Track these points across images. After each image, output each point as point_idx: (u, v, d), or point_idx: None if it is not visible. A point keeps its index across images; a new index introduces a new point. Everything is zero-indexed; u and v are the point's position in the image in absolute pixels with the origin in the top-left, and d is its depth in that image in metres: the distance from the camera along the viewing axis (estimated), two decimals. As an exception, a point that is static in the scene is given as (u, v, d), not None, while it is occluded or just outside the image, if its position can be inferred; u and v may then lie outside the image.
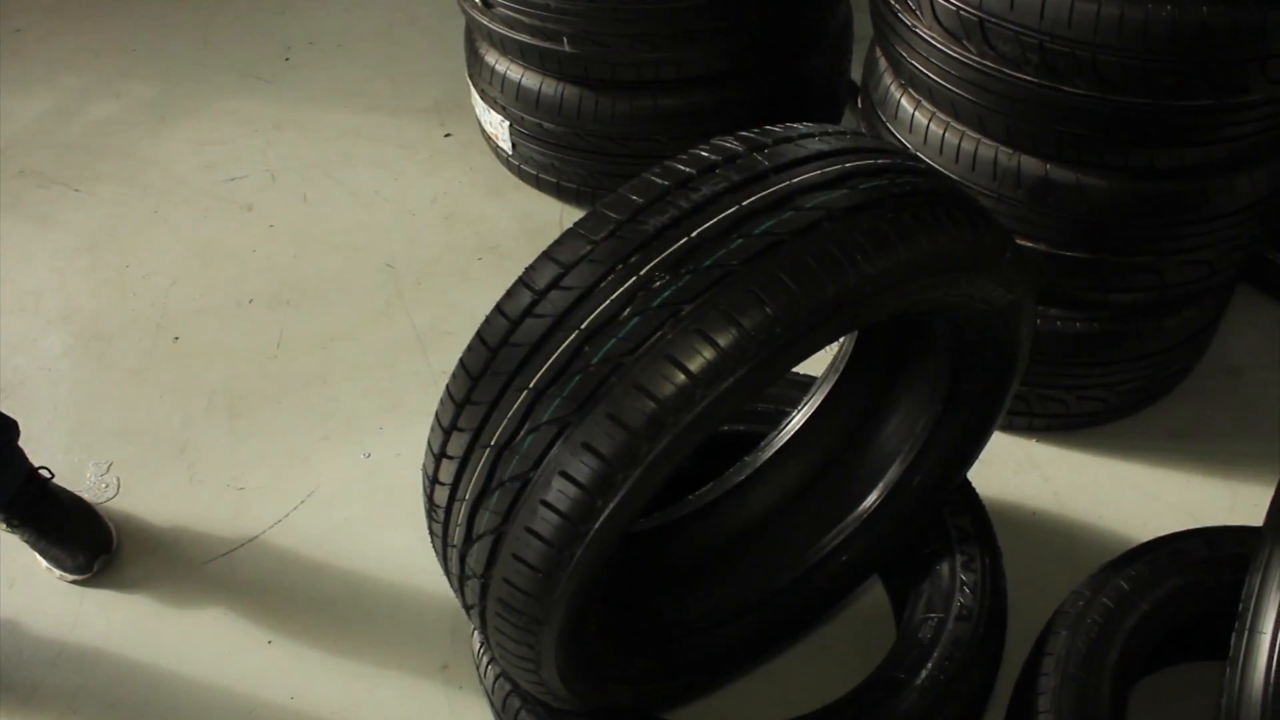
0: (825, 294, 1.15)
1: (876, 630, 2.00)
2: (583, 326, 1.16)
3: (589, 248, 1.20)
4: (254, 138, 3.33)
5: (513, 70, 2.76)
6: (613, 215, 1.22)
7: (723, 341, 1.12)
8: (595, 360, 1.14)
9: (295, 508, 2.29)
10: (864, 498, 1.78)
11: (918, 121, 2.07)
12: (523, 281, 1.23)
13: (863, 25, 2.99)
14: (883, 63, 2.21)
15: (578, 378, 1.15)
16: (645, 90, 2.65)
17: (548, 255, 1.23)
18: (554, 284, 1.20)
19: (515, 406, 1.18)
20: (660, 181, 1.24)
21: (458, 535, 1.28)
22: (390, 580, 2.15)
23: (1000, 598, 1.77)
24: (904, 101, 2.11)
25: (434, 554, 1.42)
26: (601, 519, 1.16)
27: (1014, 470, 2.31)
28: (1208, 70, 1.76)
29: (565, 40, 2.54)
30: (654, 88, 2.64)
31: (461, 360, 1.26)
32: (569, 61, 2.61)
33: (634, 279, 1.17)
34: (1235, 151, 1.93)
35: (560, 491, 1.15)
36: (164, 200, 3.12)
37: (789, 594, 1.77)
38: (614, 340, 1.14)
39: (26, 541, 2.15)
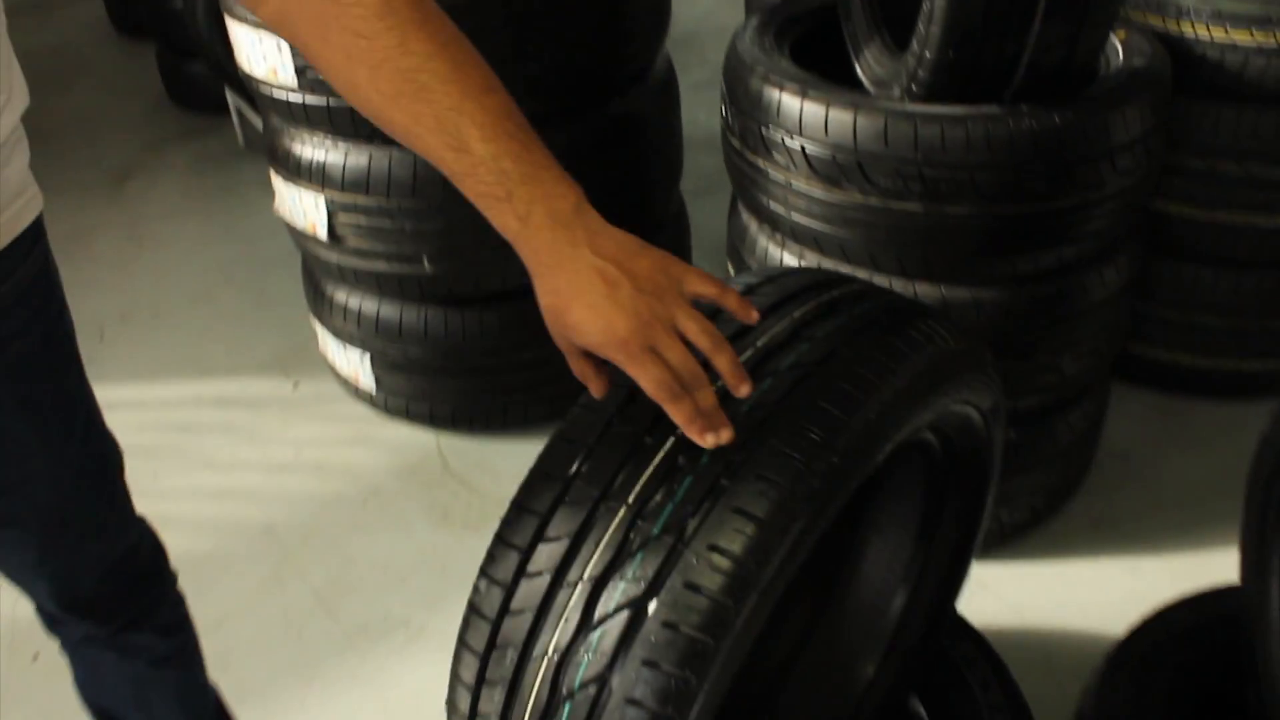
0: (869, 415, 1.11)
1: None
2: (585, 576, 1.06)
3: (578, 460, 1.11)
4: (80, 429, 3.06)
5: (367, 303, 2.67)
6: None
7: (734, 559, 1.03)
8: (611, 609, 1.04)
9: (226, 817, 1.99)
10: (870, 643, 1.70)
11: (808, 270, 2.11)
12: (501, 539, 1.11)
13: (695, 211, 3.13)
14: (753, 226, 2.25)
15: (598, 632, 1.04)
16: (511, 299, 2.62)
17: (519, 506, 1.11)
18: (537, 537, 1.09)
19: (539, 679, 1.06)
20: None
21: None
22: None
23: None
24: (787, 257, 2.15)
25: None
26: None
27: (966, 598, 2.27)
28: (1070, 171, 1.90)
29: (425, 260, 2.49)
30: (521, 295, 2.61)
31: (462, 638, 1.13)
32: (430, 282, 2.55)
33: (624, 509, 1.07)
34: (1101, 244, 2.07)
35: None
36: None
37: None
38: (624, 583, 1.04)
39: None
